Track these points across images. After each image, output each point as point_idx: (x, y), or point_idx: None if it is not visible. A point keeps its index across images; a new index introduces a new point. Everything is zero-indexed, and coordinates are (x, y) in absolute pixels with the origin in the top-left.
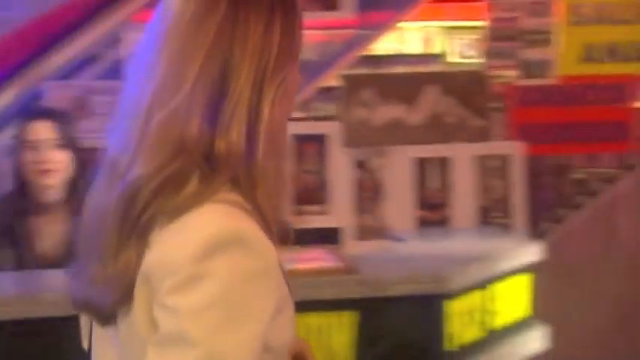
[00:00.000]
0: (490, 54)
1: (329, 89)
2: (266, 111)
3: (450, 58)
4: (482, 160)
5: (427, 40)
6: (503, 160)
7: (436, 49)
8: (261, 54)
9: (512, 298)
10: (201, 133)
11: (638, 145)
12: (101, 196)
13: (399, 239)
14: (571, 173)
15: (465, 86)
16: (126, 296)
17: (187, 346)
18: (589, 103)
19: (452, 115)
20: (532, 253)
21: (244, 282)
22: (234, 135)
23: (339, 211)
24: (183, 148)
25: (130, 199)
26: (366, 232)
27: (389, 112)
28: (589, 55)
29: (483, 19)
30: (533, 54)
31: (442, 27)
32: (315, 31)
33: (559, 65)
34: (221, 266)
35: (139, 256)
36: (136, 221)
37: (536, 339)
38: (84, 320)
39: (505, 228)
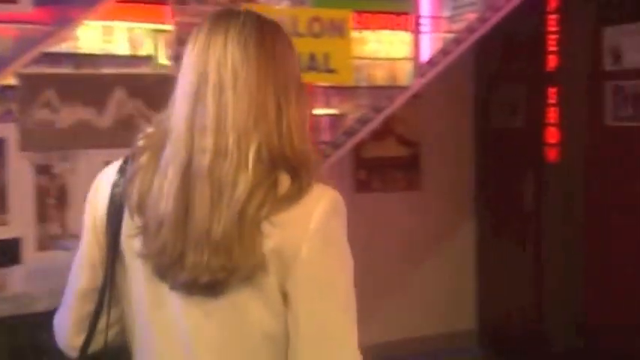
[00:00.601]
0: (178, 57)
1: (4, 88)
2: (304, 119)
3: (161, 61)
4: None
5: (134, 41)
6: None
7: (144, 51)
8: (296, 78)
9: None
10: (280, 147)
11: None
12: (192, 190)
13: (67, 248)
14: None
15: (152, 89)
16: (252, 272)
17: (335, 285)
18: None
19: (142, 118)
20: None
21: (344, 236)
22: (296, 143)
23: (18, 220)
24: (272, 162)
25: (245, 205)
26: (50, 242)
27: (74, 114)
28: None
29: (169, 23)
30: None
31: (150, 29)
32: None
33: None
34: (340, 229)
35: (260, 243)
36: (253, 219)
37: None
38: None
39: None
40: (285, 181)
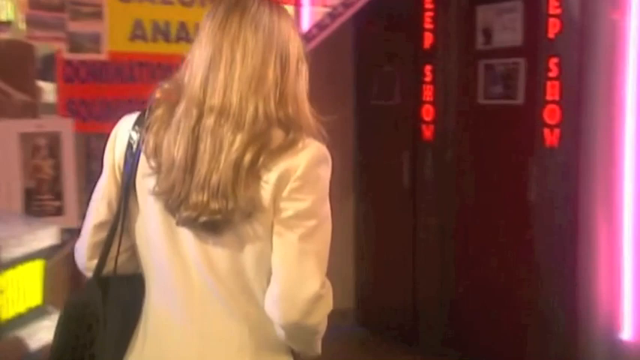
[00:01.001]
0: (33, 23)
1: None
2: (301, 90)
3: (20, 26)
4: (29, 138)
5: None
6: (52, 137)
7: (3, 16)
8: (296, 56)
9: (24, 287)
10: (275, 109)
11: None
12: (200, 143)
13: None
14: None
15: (4, 58)
16: (249, 213)
17: (313, 217)
18: (139, 81)
19: None
20: (44, 238)
21: (327, 182)
22: (290, 109)
23: None
24: (268, 122)
25: (239, 159)
26: None
27: None
28: (139, 32)
29: None
30: (82, 27)
31: None
32: None
33: (109, 41)
34: (323, 177)
35: (256, 190)
36: (248, 171)
37: (46, 328)
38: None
39: (56, 210)
40: (278, 136)
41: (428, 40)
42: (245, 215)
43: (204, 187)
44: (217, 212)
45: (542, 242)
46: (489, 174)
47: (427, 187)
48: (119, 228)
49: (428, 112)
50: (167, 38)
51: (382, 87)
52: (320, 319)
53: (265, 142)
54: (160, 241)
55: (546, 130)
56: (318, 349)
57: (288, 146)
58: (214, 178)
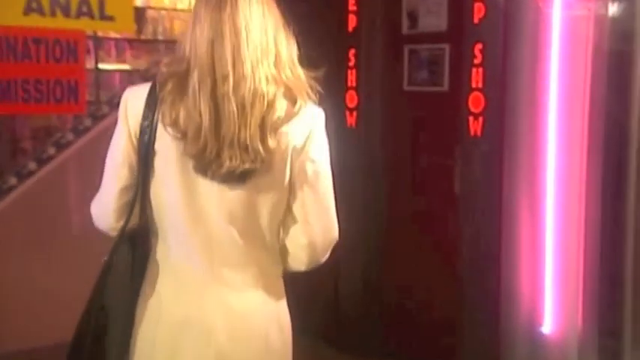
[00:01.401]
0: None
1: None
2: (292, 53)
3: None
4: None
5: None
6: None
7: None
8: (283, 25)
9: None
10: (280, 75)
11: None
12: (214, 110)
13: None
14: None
15: None
16: (273, 163)
17: (327, 176)
18: (34, 59)
19: None
20: None
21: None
22: (288, 70)
23: None
24: (276, 84)
25: (264, 117)
26: None
27: None
28: (35, 5)
29: None
30: None
31: None
32: None
33: (0, 15)
34: (323, 133)
35: (278, 143)
36: (271, 127)
37: None
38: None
39: None
40: (289, 104)
41: (352, 22)
42: (268, 166)
43: (233, 144)
44: (248, 162)
45: (466, 234)
46: (415, 163)
47: (351, 175)
48: (139, 191)
49: (352, 99)
50: (67, 13)
51: (309, 71)
52: (328, 251)
53: (280, 104)
54: (179, 200)
55: (471, 119)
56: None
57: (299, 114)
58: (242, 136)
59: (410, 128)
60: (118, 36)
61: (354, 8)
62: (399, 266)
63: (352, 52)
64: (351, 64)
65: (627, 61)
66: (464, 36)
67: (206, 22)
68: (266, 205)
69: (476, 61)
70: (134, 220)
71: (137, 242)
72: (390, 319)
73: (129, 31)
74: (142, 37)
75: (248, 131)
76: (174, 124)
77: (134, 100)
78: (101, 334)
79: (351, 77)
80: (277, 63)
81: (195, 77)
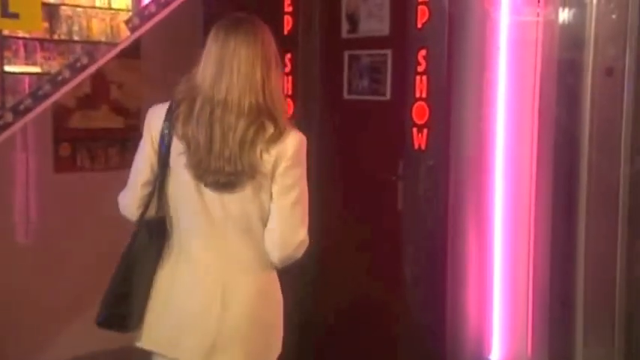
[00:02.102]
0: None
1: None
2: (279, 86)
3: None
4: None
5: None
6: None
7: None
8: (275, 60)
9: None
10: (264, 103)
11: None
12: (214, 129)
13: None
14: None
15: None
16: (254, 174)
17: (298, 187)
18: None
19: None
20: None
21: (305, 161)
22: (274, 101)
23: None
24: (259, 111)
25: (242, 138)
26: None
27: None
28: None
29: None
30: None
31: None
32: None
33: None
34: (304, 156)
35: (256, 160)
36: (250, 145)
37: None
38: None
39: None
40: (270, 128)
41: (287, 24)
42: (249, 177)
43: (219, 157)
44: (230, 174)
45: (409, 254)
46: (357, 178)
47: None
48: (157, 186)
49: (288, 107)
50: None
51: None
52: (302, 253)
53: (259, 126)
54: (190, 197)
55: (415, 131)
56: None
57: (279, 136)
58: (226, 152)
59: (350, 140)
60: (27, 35)
61: (290, 9)
62: (334, 291)
63: (288, 56)
64: (287, 69)
65: (578, 69)
66: (407, 41)
67: (212, 58)
68: (254, 206)
69: (420, 69)
70: (152, 210)
71: (154, 228)
72: (325, 346)
73: (36, 29)
74: (55, 36)
75: (228, 149)
76: (184, 139)
77: (155, 114)
78: (123, 299)
79: (287, 84)
80: (263, 94)
81: (199, 104)
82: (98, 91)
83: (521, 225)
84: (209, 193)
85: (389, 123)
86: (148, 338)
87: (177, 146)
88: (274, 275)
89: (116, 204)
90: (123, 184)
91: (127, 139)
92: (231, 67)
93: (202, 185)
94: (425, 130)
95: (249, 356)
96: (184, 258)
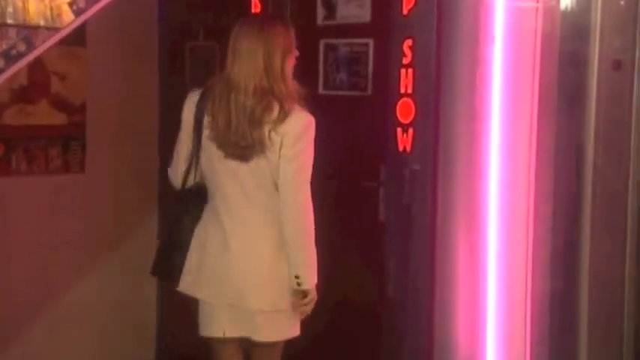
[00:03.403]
0: None
1: None
2: (285, 73)
3: None
4: None
5: None
6: None
7: None
8: (283, 50)
9: None
10: (269, 86)
11: None
12: (230, 108)
13: None
14: None
15: None
16: (263, 148)
17: (300, 159)
18: None
19: None
20: None
21: (312, 141)
22: (278, 84)
23: None
24: (263, 93)
25: (251, 116)
26: None
27: None
28: None
29: None
30: None
31: None
32: None
33: None
34: (308, 135)
35: (264, 134)
36: (258, 121)
37: None
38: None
39: None
40: (276, 108)
41: (255, 8)
42: (259, 151)
43: (236, 132)
44: (244, 148)
45: (392, 270)
46: (332, 185)
47: None
48: (194, 159)
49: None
50: None
51: (197, 66)
52: (306, 219)
53: (266, 107)
54: (216, 168)
55: (399, 131)
56: (307, 260)
57: (284, 116)
58: (240, 128)
59: (325, 142)
60: None
61: None
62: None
63: None
64: None
65: (581, 62)
66: (391, 30)
67: (229, 49)
68: (265, 176)
69: (405, 61)
70: (191, 180)
71: (194, 194)
72: None
73: None
74: None
75: (241, 126)
76: (211, 116)
77: (190, 99)
78: (168, 255)
79: None
80: (270, 78)
81: (221, 88)
82: (37, 83)
83: (518, 238)
84: (230, 164)
85: (370, 122)
86: (184, 282)
87: (207, 124)
88: (279, 236)
89: (61, 211)
90: (66, 190)
91: (71, 139)
92: (240, 55)
93: (224, 157)
94: (410, 131)
95: (262, 302)
96: (213, 221)
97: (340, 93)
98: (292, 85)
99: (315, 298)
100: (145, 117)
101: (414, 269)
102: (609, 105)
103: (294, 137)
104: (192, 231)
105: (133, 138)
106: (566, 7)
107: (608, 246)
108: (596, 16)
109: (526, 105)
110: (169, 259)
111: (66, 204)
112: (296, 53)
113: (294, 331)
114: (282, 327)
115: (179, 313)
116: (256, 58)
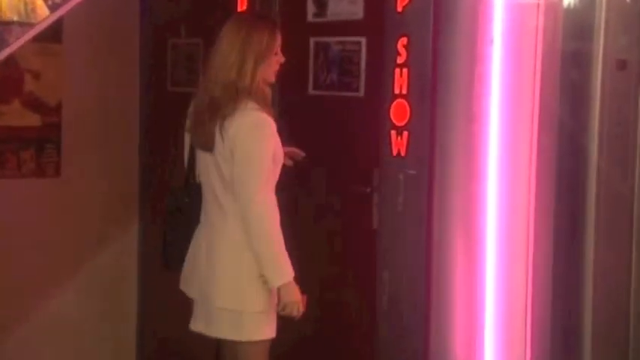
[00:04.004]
0: None
1: None
2: (261, 73)
3: None
4: None
5: None
6: None
7: None
8: (259, 52)
9: None
10: (235, 82)
11: None
12: (200, 100)
13: None
14: None
15: None
16: (214, 143)
17: (246, 160)
18: None
19: None
20: None
21: (263, 140)
22: (248, 83)
23: None
24: (225, 88)
25: (210, 107)
26: None
27: None
28: None
29: None
30: None
31: None
32: None
33: None
34: (258, 134)
35: (214, 129)
36: (214, 114)
37: None
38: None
39: None
40: (232, 104)
41: (241, 5)
42: (220, 144)
43: (198, 120)
44: (201, 135)
45: (386, 281)
46: (323, 191)
47: None
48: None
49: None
50: None
51: (183, 66)
52: (261, 218)
53: (228, 99)
54: (198, 157)
55: (393, 134)
56: (272, 265)
57: (234, 111)
58: (201, 115)
59: (315, 145)
60: None
61: None
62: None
63: None
64: None
65: (585, 62)
66: (385, 27)
67: (216, 43)
68: (224, 169)
69: (399, 60)
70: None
71: (192, 191)
72: None
73: None
74: None
75: (203, 114)
76: (191, 105)
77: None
78: (168, 246)
79: None
80: (239, 75)
81: (203, 80)
82: (9, 82)
83: (518, 246)
84: (202, 155)
85: (362, 124)
86: (181, 277)
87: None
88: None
89: (35, 218)
90: (40, 195)
91: (46, 141)
92: (219, 49)
93: (194, 145)
94: (405, 133)
95: (223, 300)
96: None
97: (331, 94)
98: (262, 88)
99: (294, 299)
100: (124, 118)
101: (409, 280)
102: (614, 106)
103: (241, 135)
104: (191, 230)
105: (112, 140)
106: (569, 4)
107: (613, 255)
108: (601, 14)
109: (526, 106)
110: (167, 252)
111: (40, 210)
112: (281, 59)
113: (264, 333)
114: (249, 328)
115: (160, 326)
116: (231, 54)
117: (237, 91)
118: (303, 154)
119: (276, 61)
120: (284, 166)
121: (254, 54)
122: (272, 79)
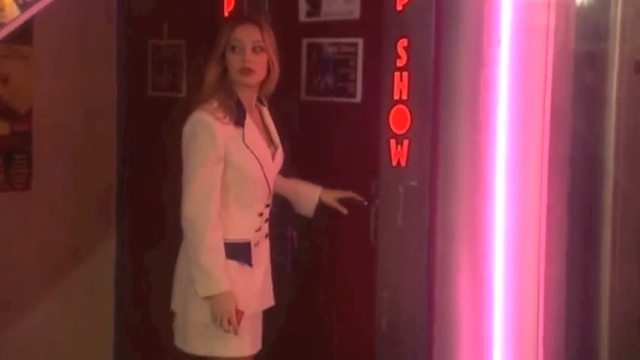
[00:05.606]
0: None
1: None
2: (205, 72)
3: None
4: None
5: None
6: None
7: None
8: (215, 50)
9: None
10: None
11: None
12: None
13: None
14: None
15: None
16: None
17: (188, 164)
18: None
19: None
20: None
21: (194, 143)
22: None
23: None
24: (193, 90)
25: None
26: None
27: None
28: None
29: None
30: None
31: None
32: None
33: None
34: (193, 138)
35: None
36: (186, 115)
37: None
38: None
39: None
40: (194, 105)
41: (229, 4)
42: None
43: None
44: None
45: (385, 302)
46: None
47: None
48: None
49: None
50: None
51: (163, 70)
52: (187, 226)
53: (194, 101)
54: None
55: (393, 142)
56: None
57: (191, 115)
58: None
59: (308, 154)
60: None
61: None
62: (281, 348)
63: None
64: None
65: (600, 64)
66: (383, 28)
67: None
68: None
69: (399, 63)
70: None
71: None
72: None
73: None
74: None
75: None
76: None
77: None
78: None
79: None
80: (201, 74)
81: None
82: None
83: (528, 265)
84: None
85: (359, 132)
86: None
87: None
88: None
89: (3, 235)
90: (8, 210)
91: (15, 151)
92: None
93: None
94: (405, 142)
95: (174, 304)
96: None
97: (325, 99)
98: (225, 86)
99: (222, 310)
100: (101, 126)
101: (410, 301)
102: (631, 111)
103: (184, 140)
104: None
105: (87, 150)
106: (582, 1)
107: (631, 272)
108: (617, 11)
109: (537, 113)
110: None
111: (8, 226)
112: (241, 57)
113: (213, 349)
114: (194, 340)
115: (138, 347)
116: (204, 64)
117: (200, 94)
118: (362, 200)
119: (233, 58)
120: (338, 212)
121: (210, 54)
122: (235, 77)
